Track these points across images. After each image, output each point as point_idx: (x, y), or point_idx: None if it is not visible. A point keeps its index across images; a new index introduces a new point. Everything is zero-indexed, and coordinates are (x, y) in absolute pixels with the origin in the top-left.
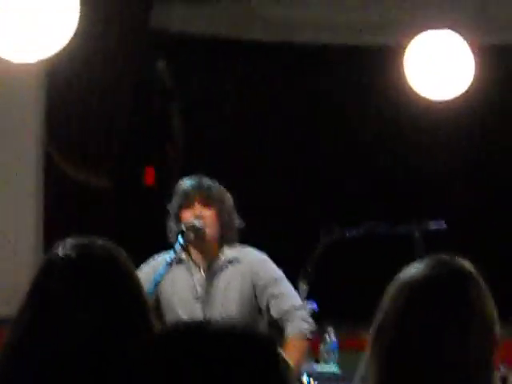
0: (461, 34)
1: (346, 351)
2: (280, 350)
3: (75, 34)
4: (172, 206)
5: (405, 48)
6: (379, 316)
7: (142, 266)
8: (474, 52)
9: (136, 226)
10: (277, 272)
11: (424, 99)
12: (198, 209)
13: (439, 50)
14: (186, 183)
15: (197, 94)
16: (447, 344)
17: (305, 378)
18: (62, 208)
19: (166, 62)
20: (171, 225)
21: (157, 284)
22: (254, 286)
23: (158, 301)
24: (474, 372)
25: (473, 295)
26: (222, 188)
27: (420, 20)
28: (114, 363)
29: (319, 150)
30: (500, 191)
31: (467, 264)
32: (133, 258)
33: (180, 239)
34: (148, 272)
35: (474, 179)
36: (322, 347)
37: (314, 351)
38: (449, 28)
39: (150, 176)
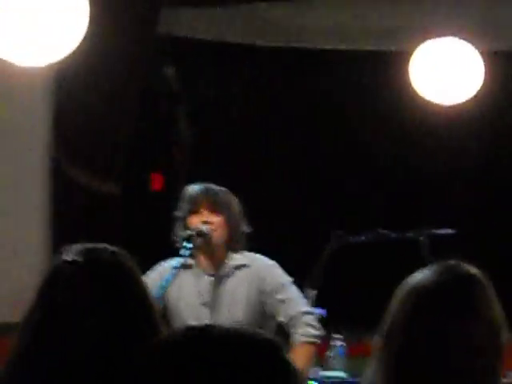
0: (468, 40)
1: (353, 357)
2: (288, 355)
3: (83, 40)
4: (179, 212)
5: (411, 54)
6: (386, 322)
7: (149, 271)
8: (481, 58)
9: (143, 232)
10: (284, 277)
11: (431, 104)
12: (206, 215)
13: (445, 56)
14: (194, 189)
15: (204, 98)
16: (454, 350)
17: None
18: (69, 214)
19: (173, 67)
20: (178, 231)
21: (164, 290)
22: (261, 292)
23: (164, 306)
24: (481, 378)
25: (479, 301)
26: (229, 194)
27: (427, 26)
28: (121, 369)
29: (326, 154)
30: (510, 196)
31: (474, 270)
32: (140, 264)
33: (187, 245)
34: (155, 278)
35: (483, 184)
36: (329, 353)
37: (321, 357)
38: (456, 34)
39: (157, 181)
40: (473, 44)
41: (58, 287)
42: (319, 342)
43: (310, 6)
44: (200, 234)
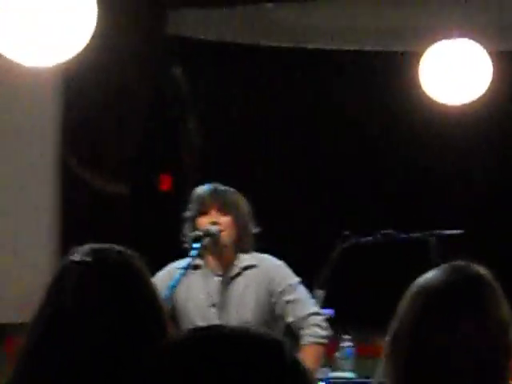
0: (477, 41)
1: (362, 358)
2: (297, 356)
3: (91, 41)
4: (188, 213)
5: (419, 55)
6: (395, 323)
7: (157, 272)
8: (490, 58)
9: (151, 232)
10: (293, 278)
11: (440, 105)
12: (214, 215)
13: (455, 57)
14: (202, 190)
15: (212, 99)
16: (463, 350)
17: None
18: (77, 214)
19: (182, 68)
20: (187, 231)
21: (172, 290)
22: (270, 292)
23: (173, 307)
24: (490, 377)
25: (488, 301)
26: (238, 194)
27: (435, 27)
28: (129, 370)
29: (334, 155)
30: None
31: (483, 270)
32: (148, 265)
33: (196, 245)
34: (164, 278)
35: (491, 184)
36: (337, 354)
37: (329, 357)
38: (465, 35)
39: (165, 182)
40: (481, 44)
41: (66, 288)
42: (327, 342)
43: (317, 6)
44: (208, 234)
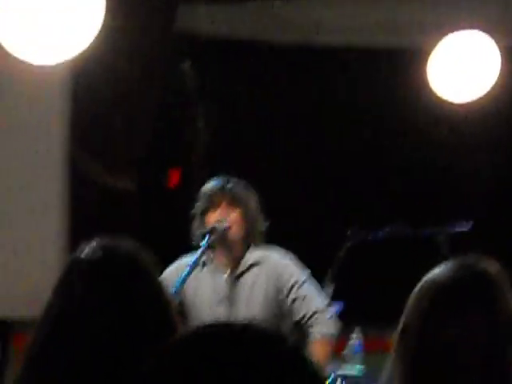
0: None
1: (372, 353)
2: (307, 353)
3: (100, 36)
4: (197, 209)
5: (427, 51)
6: (404, 318)
7: (166, 268)
8: (499, 52)
9: (160, 229)
10: (302, 274)
11: (447, 100)
12: (223, 211)
13: (465, 50)
14: (211, 185)
15: (220, 95)
16: (472, 346)
17: (329, 381)
18: (86, 210)
19: (191, 64)
20: (196, 227)
21: (181, 286)
22: (279, 288)
23: (181, 303)
24: (499, 373)
25: (497, 297)
26: (247, 190)
27: (444, 24)
28: (136, 365)
29: (342, 152)
30: None
31: (492, 266)
32: (157, 261)
33: (205, 241)
34: (172, 274)
35: (500, 179)
36: (347, 349)
37: (338, 353)
38: (474, 30)
39: (174, 178)
40: (491, 38)
41: (74, 284)
42: (336, 338)
43: (325, 2)
44: (217, 230)
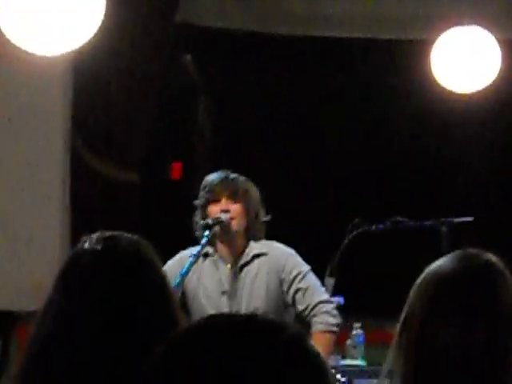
0: (487, 28)
1: (373, 345)
2: (312, 344)
3: (101, 29)
4: (199, 201)
5: (431, 43)
6: (406, 310)
7: (168, 260)
8: (500, 46)
9: (162, 221)
10: (303, 266)
11: (450, 93)
12: (225, 203)
13: (465, 44)
14: (213, 178)
15: (223, 88)
16: (474, 338)
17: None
18: (87, 202)
19: (192, 56)
20: (198, 219)
21: (183, 278)
22: (281, 280)
23: (184, 295)
24: (501, 365)
25: (500, 289)
26: (248, 182)
27: (446, 15)
28: (139, 358)
29: (345, 144)
30: None
31: (494, 258)
32: (159, 253)
33: (206, 233)
34: (174, 266)
35: (501, 172)
36: (348, 341)
37: (340, 345)
38: (475, 23)
39: (176, 170)
40: (490, 32)
41: (76, 276)
42: (338, 330)
43: None
44: (219, 222)
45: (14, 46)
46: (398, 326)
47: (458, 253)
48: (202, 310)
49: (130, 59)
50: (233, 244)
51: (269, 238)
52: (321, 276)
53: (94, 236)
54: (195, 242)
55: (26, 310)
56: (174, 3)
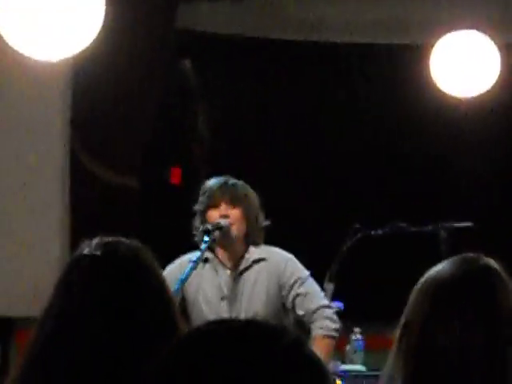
0: (486, 32)
1: (372, 350)
2: (312, 349)
3: (101, 34)
4: (198, 206)
5: (430, 48)
6: (406, 315)
7: (168, 265)
8: (499, 50)
9: (162, 226)
10: (303, 271)
11: (450, 97)
12: (224, 208)
13: (464, 49)
14: (212, 183)
15: (222, 92)
16: (473, 342)
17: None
18: (88, 208)
19: (191, 62)
20: (197, 224)
21: (182, 283)
22: (280, 286)
23: (183, 300)
24: (500, 368)
25: (499, 294)
26: (248, 187)
27: (445, 20)
28: (139, 363)
29: (344, 147)
30: None
31: (493, 263)
32: (159, 258)
33: (206, 238)
34: (174, 271)
35: (501, 177)
36: (348, 346)
37: (340, 350)
38: (474, 27)
39: (175, 175)
40: (489, 37)
41: (76, 281)
42: (338, 335)
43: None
44: (218, 227)
45: (14, 51)
46: (398, 331)
47: (457, 257)
48: (202, 315)
49: (130, 64)
50: (232, 249)
51: (268, 241)
52: (320, 281)
53: (94, 241)
54: (195, 246)
55: (25, 315)
56: (174, 9)
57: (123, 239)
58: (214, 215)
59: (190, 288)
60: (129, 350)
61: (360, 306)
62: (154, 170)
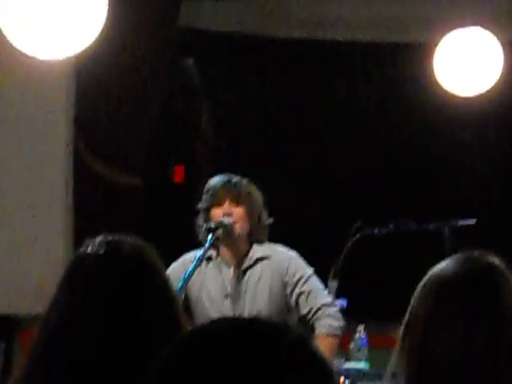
0: (489, 30)
1: (376, 348)
2: (317, 347)
3: (104, 33)
4: (202, 204)
5: (433, 46)
6: (409, 313)
7: (171, 263)
8: (503, 48)
9: (165, 224)
10: (306, 269)
11: (452, 96)
12: (228, 207)
13: (468, 46)
14: (215, 181)
15: (225, 90)
16: (476, 341)
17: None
18: (90, 206)
19: (195, 60)
20: (201, 223)
21: (186, 282)
22: (284, 284)
23: (187, 298)
24: (504, 367)
25: (503, 291)
26: (251, 185)
27: (451, 17)
28: (142, 361)
29: (347, 146)
30: None
31: (497, 260)
32: (162, 256)
33: (209, 237)
34: (178, 270)
35: (504, 174)
36: (351, 344)
37: (343, 348)
38: (478, 25)
39: (179, 174)
40: (492, 33)
41: (79, 279)
42: (341, 333)
43: None
44: (222, 225)
45: (16, 50)
46: (402, 329)
47: (460, 255)
48: (206, 313)
49: (132, 62)
50: (236, 247)
51: (271, 240)
52: (324, 279)
53: (97, 240)
54: (198, 245)
55: (28, 313)
56: (176, 7)
57: (127, 238)
58: (217, 213)
59: (194, 286)
60: (132, 348)
61: (364, 304)
62: (158, 169)
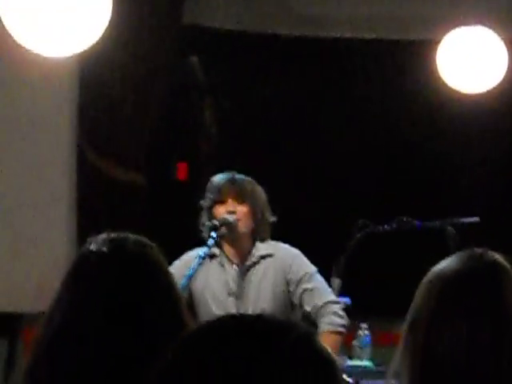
0: (492, 28)
1: (379, 346)
2: (322, 344)
3: (107, 31)
4: (205, 202)
5: (436, 43)
6: (412, 310)
7: (174, 261)
8: (506, 45)
9: (168, 222)
10: (310, 267)
11: (456, 93)
12: (231, 204)
13: (471, 45)
14: (219, 179)
15: (228, 88)
16: (479, 340)
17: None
18: (94, 203)
19: (198, 57)
20: (204, 220)
21: (189, 279)
22: (287, 281)
23: (190, 296)
24: (508, 366)
25: (506, 289)
26: (255, 183)
27: (453, 15)
28: (146, 359)
29: (350, 142)
30: None
31: (500, 258)
32: (165, 254)
33: (213, 234)
34: (181, 267)
35: (505, 173)
36: (355, 342)
37: (347, 346)
38: (481, 23)
39: (182, 171)
40: (497, 32)
41: (83, 277)
42: (345, 330)
43: None
44: (225, 223)
45: (21, 48)
46: (405, 328)
47: (463, 253)
48: (209, 311)
49: (136, 60)
50: (239, 245)
51: (273, 238)
52: (327, 276)
53: (101, 237)
54: (202, 242)
55: (31, 311)
56: (180, 4)
57: (130, 235)
58: (220, 211)
59: (197, 284)
60: (136, 345)
61: (367, 302)
62: (161, 167)
